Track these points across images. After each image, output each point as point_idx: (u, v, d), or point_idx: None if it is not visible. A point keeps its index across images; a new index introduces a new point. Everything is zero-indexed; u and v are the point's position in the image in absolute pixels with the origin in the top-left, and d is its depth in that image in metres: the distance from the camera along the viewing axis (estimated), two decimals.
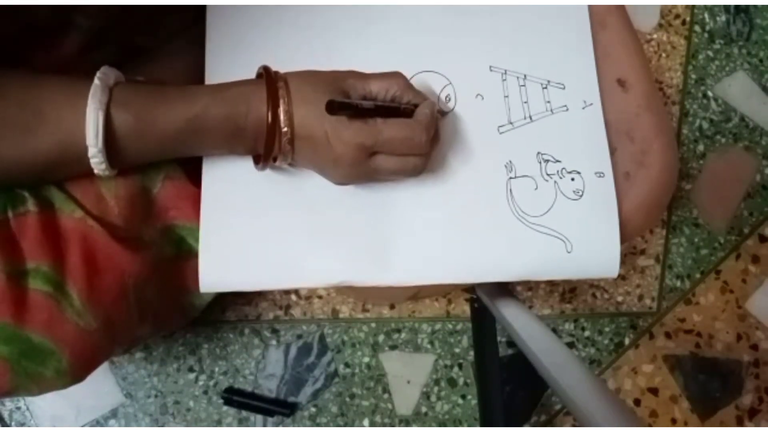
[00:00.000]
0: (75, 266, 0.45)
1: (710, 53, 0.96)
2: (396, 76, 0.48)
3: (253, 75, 0.48)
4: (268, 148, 0.45)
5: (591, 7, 0.57)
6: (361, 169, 0.46)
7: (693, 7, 0.96)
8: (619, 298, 0.90)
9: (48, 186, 0.46)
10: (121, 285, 0.48)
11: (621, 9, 0.59)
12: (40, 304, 0.44)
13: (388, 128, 0.45)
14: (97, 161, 0.42)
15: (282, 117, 0.44)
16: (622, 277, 0.90)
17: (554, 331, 0.88)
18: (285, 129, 0.44)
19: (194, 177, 0.52)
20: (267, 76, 0.45)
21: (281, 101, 0.44)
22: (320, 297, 0.85)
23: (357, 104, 0.45)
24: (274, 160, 0.47)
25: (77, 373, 0.47)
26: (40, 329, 0.44)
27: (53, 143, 0.41)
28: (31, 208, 0.45)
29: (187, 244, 0.53)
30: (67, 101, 0.41)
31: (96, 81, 0.42)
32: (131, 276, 0.48)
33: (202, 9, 0.53)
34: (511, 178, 0.53)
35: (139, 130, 0.43)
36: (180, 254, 0.53)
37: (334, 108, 0.43)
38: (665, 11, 0.96)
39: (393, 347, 0.86)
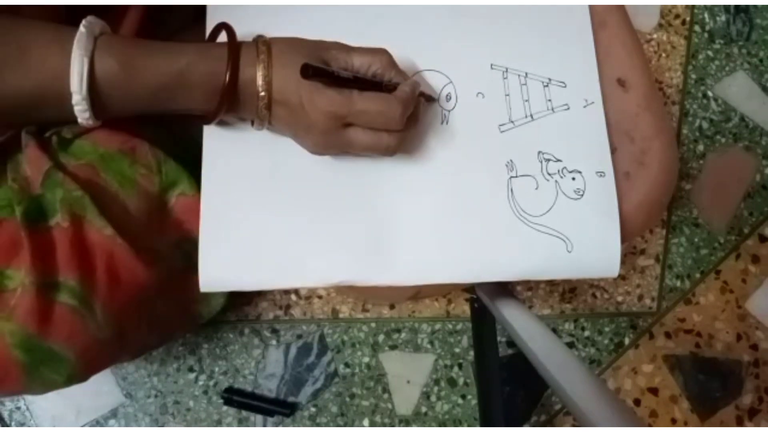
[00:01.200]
0: (100, 282, 0.46)
1: (710, 53, 0.96)
2: (380, 52, 0.47)
3: None
4: (227, 106, 0.45)
5: (591, 7, 0.57)
6: (334, 139, 0.46)
7: (693, 7, 0.96)
8: (619, 298, 0.90)
9: (81, 197, 0.46)
10: (138, 299, 0.49)
11: (621, 9, 0.59)
12: (65, 317, 0.44)
13: (363, 100, 0.44)
14: (81, 108, 0.42)
15: (260, 81, 0.44)
16: (622, 277, 0.90)
17: (554, 331, 0.88)
18: (262, 93, 0.44)
19: None
20: (230, 38, 0.45)
21: (260, 66, 0.44)
22: (320, 297, 0.85)
23: (333, 72, 0.44)
24: (252, 123, 0.47)
25: (82, 377, 0.48)
26: (62, 340, 0.44)
27: (35, 82, 0.41)
28: (61, 220, 0.45)
29: (197, 257, 0.53)
30: (53, 43, 0.41)
31: (81, 29, 0.41)
32: (148, 290, 0.49)
33: (202, 9, 0.53)
34: (512, 177, 0.53)
35: (124, 80, 0.42)
36: (189, 266, 0.53)
37: (308, 73, 0.43)
38: (665, 11, 0.96)
39: (393, 347, 0.86)
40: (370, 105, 0.44)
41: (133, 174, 0.49)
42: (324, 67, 0.44)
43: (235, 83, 0.44)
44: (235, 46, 0.44)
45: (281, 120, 0.46)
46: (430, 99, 0.52)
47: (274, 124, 0.47)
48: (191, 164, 0.52)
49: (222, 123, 0.50)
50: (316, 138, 0.46)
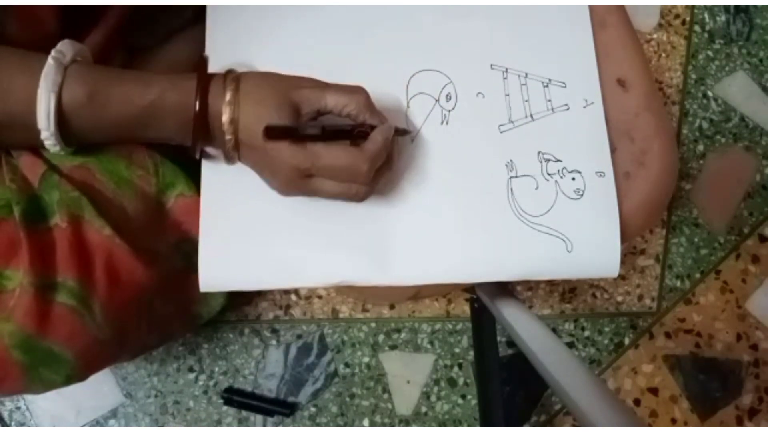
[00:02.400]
0: (99, 282, 0.45)
1: (710, 53, 0.96)
2: (357, 91, 0.45)
3: None
4: (201, 141, 0.45)
5: (591, 7, 0.57)
6: (298, 187, 0.45)
7: (693, 7, 0.96)
8: (619, 298, 0.90)
9: (78, 197, 0.46)
10: (138, 299, 0.48)
11: (621, 9, 0.59)
12: (64, 317, 0.44)
13: (327, 154, 0.43)
14: (50, 143, 0.42)
15: (226, 125, 0.43)
16: (622, 277, 0.90)
17: (554, 331, 0.88)
18: (228, 137, 0.44)
19: None
20: (199, 73, 0.44)
21: (227, 107, 0.43)
22: (320, 297, 0.85)
23: (298, 131, 0.43)
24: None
25: (82, 377, 0.48)
26: (61, 340, 0.44)
27: (3, 109, 0.40)
28: (60, 221, 0.45)
29: (197, 257, 0.53)
30: (23, 72, 0.40)
31: (50, 61, 0.40)
32: (147, 290, 0.49)
33: (202, 9, 0.53)
34: (511, 177, 0.53)
35: (92, 112, 0.42)
36: (189, 266, 0.53)
37: (273, 135, 0.42)
38: (665, 11, 0.96)
39: (393, 347, 0.86)
40: (335, 161, 0.43)
41: (130, 176, 0.49)
42: (288, 126, 0.43)
43: (205, 118, 0.43)
44: (204, 80, 0.43)
45: (249, 160, 0.46)
46: (404, 133, 0.50)
47: (245, 162, 0.47)
48: (188, 166, 0.52)
49: None
50: (281, 185, 0.45)
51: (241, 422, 0.83)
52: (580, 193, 0.53)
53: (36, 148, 0.46)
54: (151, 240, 0.49)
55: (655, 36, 0.95)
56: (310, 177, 0.44)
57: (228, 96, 0.43)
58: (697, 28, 0.96)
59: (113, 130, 0.44)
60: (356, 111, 0.45)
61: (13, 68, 0.41)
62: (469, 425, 0.85)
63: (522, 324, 0.58)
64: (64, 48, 0.42)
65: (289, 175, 0.44)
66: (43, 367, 0.44)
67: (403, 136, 0.50)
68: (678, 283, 0.91)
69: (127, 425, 0.82)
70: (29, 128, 0.41)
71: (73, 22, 0.46)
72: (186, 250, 0.53)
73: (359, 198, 0.46)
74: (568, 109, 0.54)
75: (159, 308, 0.53)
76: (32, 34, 0.44)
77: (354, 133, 0.45)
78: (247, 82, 0.44)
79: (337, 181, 0.44)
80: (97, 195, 0.47)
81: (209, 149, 0.49)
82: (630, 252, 0.91)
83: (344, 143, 0.44)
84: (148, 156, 0.50)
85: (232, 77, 0.44)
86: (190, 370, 0.83)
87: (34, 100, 0.40)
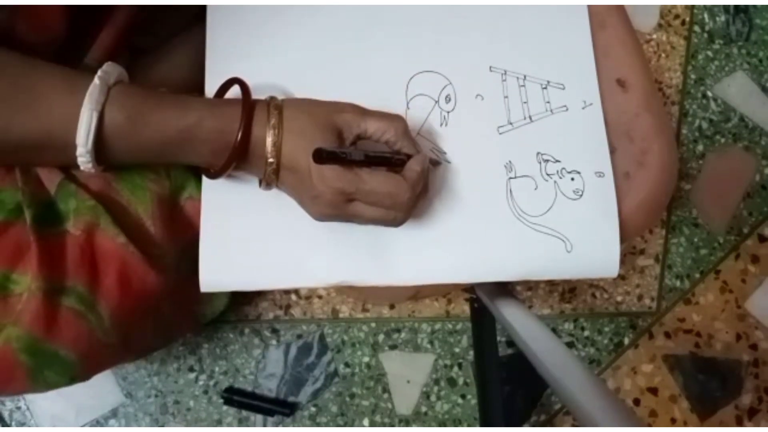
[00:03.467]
0: (109, 289, 0.46)
1: (710, 53, 0.96)
2: (396, 119, 0.46)
3: (252, 75, 0.48)
4: (236, 164, 0.45)
5: (590, 8, 0.57)
6: (339, 211, 0.45)
7: (692, 7, 0.96)
8: (619, 298, 0.90)
9: (94, 206, 0.46)
10: (147, 306, 0.49)
11: (620, 9, 0.59)
12: (71, 322, 0.44)
13: (372, 180, 0.43)
14: (84, 160, 0.42)
15: (269, 147, 0.43)
16: (621, 277, 0.90)
17: (554, 330, 0.89)
18: (271, 159, 0.44)
19: None
20: (245, 97, 0.44)
21: (271, 131, 0.43)
22: (320, 297, 0.86)
23: (345, 154, 0.43)
24: (260, 183, 0.47)
25: (85, 378, 0.48)
26: (68, 344, 0.45)
27: (42, 130, 0.41)
28: (74, 228, 0.45)
29: None
30: (65, 90, 0.41)
31: (96, 80, 0.41)
32: (157, 297, 0.49)
33: (202, 9, 0.53)
34: (510, 178, 0.53)
35: (130, 134, 0.42)
36: (195, 271, 0.53)
37: (320, 157, 0.42)
38: (665, 11, 0.96)
39: (393, 347, 0.86)
40: (379, 186, 0.44)
41: (143, 181, 0.49)
42: (336, 151, 0.43)
43: (247, 144, 0.43)
44: (249, 106, 0.44)
45: (288, 185, 0.46)
46: (436, 164, 0.52)
47: (282, 187, 0.47)
48: (196, 167, 0.52)
49: None
50: (322, 209, 0.45)
51: (241, 422, 0.83)
52: (580, 193, 0.53)
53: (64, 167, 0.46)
54: (163, 246, 0.49)
55: (654, 36, 0.95)
56: (351, 201, 0.45)
57: (273, 121, 0.43)
58: (696, 28, 0.96)
59: (147, 153, 0.44)
60: (395, 138, 0.46)
61: (58, 88, 0.41)
62: (468, 425, 0.85)
63: (522, 324, 0.58)
64: (109, 69, 0.42)
65: (333, 198, 0.44)
66: (48, 369, 0.45)
67: (435, 166, 0.52)
68: (677, 283, 0.91)
69: (127, 425, 0.82)
70: (65, 148, 0.41)
71: (81, 25, 0.46)
72: (193, 255, 0.53)
73: (397, 224, 0.47)
74: (567, 110, 0.55)
75: (165, 312, 0.53)
76: (40, 37, 0.44)
77: (393, 161, 0.46)
78: (289, 108, 0.45)
79: (377, 207, 0.45)
80: (113, 203, 0.47)
81: (235, 172, 0.49)
82: (629, 252, 0.91)
83: (384, 170, 0.45)
84: None
85: (275, 104, 0.45)
86: (191, 369, 0.83)
87: (74, 119, 0.40)
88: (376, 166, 0.45)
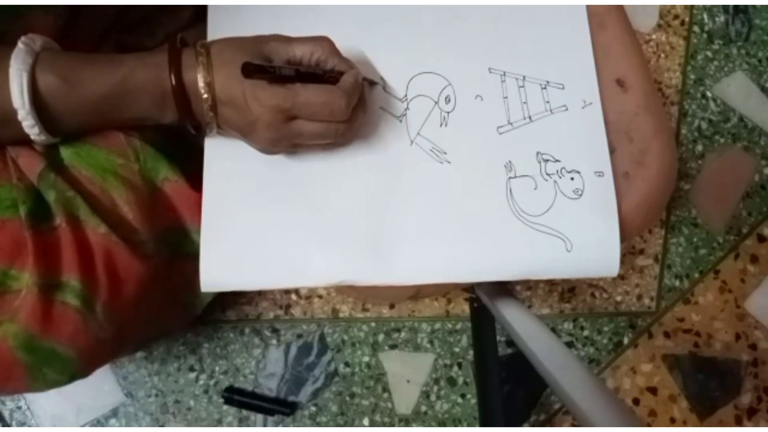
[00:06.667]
0: (101, 282, 0.46)
1: (709, 53, 0.96)
2: (322, 40, 0.47)
3: None
4: (183, 114, 0.45)
5: (590, 8, 0.57)
6: (281, 133, 0.46)
7: (692, 7, 0.96)
8: (618, 298, 0.90)
9: (73, 197, 0.46)
10: (136, 295, 0.49)
11: (620, 9, 0.59)
12: (67, 317, 0.44)
13: (306, 92, 0.44)
14: (28, 124, 0.42)
15: (201, 84, 0.44)
16: (621, 276, 0.90)
17: (553, 330, 0.89)
18: (205, 96, 0.44)
19: (192, 180, 0.52)
20: (170, 43, 0.45)
21: (200, 68, 0.44)
22: (320, 296, 0.86)
23: (274, 68, 0.44)
24: (199, 129, 0.47)
25: (84, 375, 0.48)
26: (65, 340, 0.45)
27: None
28: (59, 221, 0.45)
29: (185, 246, 0.53)
30: None
31: (20, 45, 0.42)
32: (144, 284, 0.49)
33: (200, 10, 0.53)
34: (510, 177, 0.53)
35: (67, 93, 0.43)
36: (178, 256, 0.53)
37: (249, 71, 0.43)
38: (664, 11, 0.96)
39: (393, 346, 0.86)
40: (314, 97, 0.44)
41: (111, 165, 0.48)
42: (265, 64, 0.44)
43: (183, 88, 0.44)
44: (176, 50, 0.44)
45: (227, 121, 0.46)
46: (372, 83, 0.53)
47: (222, 126, 0.47)
48: (169, 151, 0.52)
49: None
50: (263, 133, 0.46)
51: (242, 421, 0.83)
52: (579, 192, 0.53)
53: (29, 142, 0.46)
54: (142, 232, 0.49)
55: (654, 36, 0.95)
56: (291, 120, 0.45)
57: (200, 59, 0.44)
58: (696, 28, 0.96)
59: (89, 111, 0.44)
60: (325, 57, 0.47)
61: None
62: (468, 424, 0.85)
63: (521, 323, 0.59)
64: (34, 36, 0.43)
65: (272, 117, 0.44)
66: (46, 367, 0.45)
67: (372, 86, 0.52)
68: (677, 283, 0.91)
69: (127, 425, 0.82)
70: (9, 118, 0.42)
71: (70, 38, 0.47)
72: (173, 238, 0.53)
73: (340, 136, 0.47)
74: (566, 109, 0.55)
75: (153, 300, 0.53)
76: None
77: (325, 77, 0.46)
78: (216, 45, 0.45)
79: (317, 121, 0.45)
80: (88, 193, 0.47)
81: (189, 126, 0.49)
82: (629, 252, 0.91)
83: (318, 84, 0.46)
84: (127, 143, 0.50)
85: (201, 44, 0.46)
86: (191, 369, 0.83)
87: (6, 86, 0.41)
88: (309, 82, 0.45)
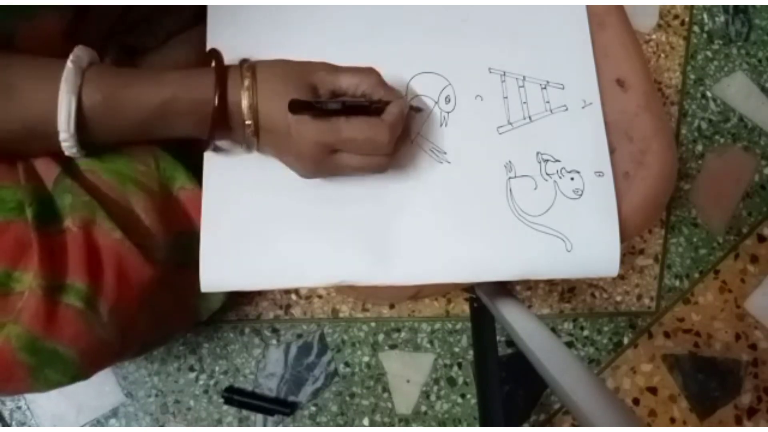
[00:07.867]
0: (109, 285, 0.46)
1: (709, 53, 0.96)
2: (368, 72, 0.47)
3: None
4: (218, 133, 0.45)
5: (590, 8, 0.57)
6: (323, 166, 0.46)
7: (692, 7, 0.96)
8: (618, 298, 0.90)
9: (89, 201, 0.46)
10: (142, 299, 0.49)
11: (620, 9, 0.59)
12: (70, 319, 0.44)
13: (349, 127, 0.44)
14: (68, 145, 0.43)
15: (245, 110, 0.44)
16: (620, 276, 0.90)
17: (553, 330, 0.89)
18: (248, 122, 0.44)
19: None
20: (217, 64, 0.45)
21: (246, 93, 0.44)
22: (320, 297, 0.86)
23: (320, 105, 0.44)
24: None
25: (86, 376, 0.48)
26: (67, 342, 0.45)
27: (23, 121, 0.41)
28: (72, 225, 0.45)
29: (195, 252, 0.53)
30: (40, 80, 0.41)
31: (69, 64, 0.41)
32: (152, 289, 0.49)
33: (201, 10, 0.53)
34: (510, 177, 0.53)
35: (109, 113, 0.43)
36: (188, 261, 0.53)
37: (296, 107, 0.43)
38: (664, 12, 0.96)
39: (393, 346, 0.86)
40: (358, 133, 0.44)
41: (132, 172, 0.49)
42: (311, 101, 0.44)
43: (225, 109, 0.44)
44: (222, 72, 0.44)
45: (269, 145, 0.47)
46: (418, 110, 0.52)
47: (264, 150, 0.47)
48: (187, 158, 0.52)
49: None
50: (307, 165, 0.46)
51: (242, 421, 0.83)
52: (579, 192, 0.53)
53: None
54: (157, 238, 0.49)
55: (654, 36, 0.95)
56: (334, 153, 0.45)
57: (246, 82, 0.44)
58: (696, 28, 0.96)
59: (129, 131, 0.45)
60: (370, 89, 0.47)
61: (34, 78, 0.42)
62: (468, 424, 0.85)
63: (521, 323, 0.59)
64: (80, 53, 0.43)
65: (315, 152, 0.44)
66: (48, 368, 0.45)
67: (417, 112, 0.52)
68: (677, 283, 0.91)
69: (127, 425, 0.82)
70: (48, 136, 0.42)
71: (76, 39, 0.47)
72: (184, 244, 0.53)
73: (382, 169, 0.47)
74: (566, 109, 0.55)
75: (160, 305, 0.53)
76: (38, 46, 0.44)
77: (371, 109, 0.46)
78: (262, 68, 0.45)
79: (359, 155, 0.46)
80: (106, 198, 0.47)
81: (222, 143, 0.49)
82: (629, 252, 0.91)
83: (361, 118, 0.46)
84: (148, 150, 0.51)
85: (248, 66, 0.45)
86: (191, 369, 0.83)
87: (53, 107, 0.41)
88: (354, 115, 0.45)
